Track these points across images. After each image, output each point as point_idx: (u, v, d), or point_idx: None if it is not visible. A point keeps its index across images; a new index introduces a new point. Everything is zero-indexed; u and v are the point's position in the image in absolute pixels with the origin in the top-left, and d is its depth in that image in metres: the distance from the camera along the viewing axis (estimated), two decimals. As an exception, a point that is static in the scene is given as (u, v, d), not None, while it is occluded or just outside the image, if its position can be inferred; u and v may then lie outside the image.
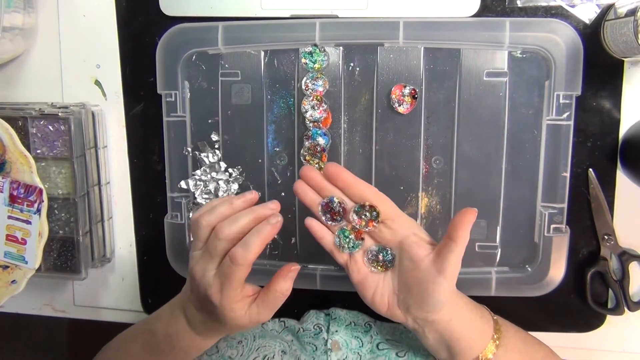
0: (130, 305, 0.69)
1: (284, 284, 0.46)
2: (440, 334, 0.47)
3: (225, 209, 0.46)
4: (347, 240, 0.49)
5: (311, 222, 0.50)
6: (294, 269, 0.47)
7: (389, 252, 0.48)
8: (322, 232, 0.49)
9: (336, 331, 0.56)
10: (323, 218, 0.49)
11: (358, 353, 0.53)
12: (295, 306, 0.62)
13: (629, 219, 0.58)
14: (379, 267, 0.48)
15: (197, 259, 0.46)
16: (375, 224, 0.48)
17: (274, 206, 0.46)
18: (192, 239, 0.47)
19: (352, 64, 0.58)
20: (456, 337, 0.46)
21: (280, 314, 0.61)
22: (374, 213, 0.48)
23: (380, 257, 0.49)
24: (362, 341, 0.55)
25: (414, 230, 0.48)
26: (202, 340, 0.51)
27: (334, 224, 0.49)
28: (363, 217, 0.48)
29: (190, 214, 0.62)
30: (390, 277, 0.49)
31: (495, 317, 0.49)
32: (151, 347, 0.52)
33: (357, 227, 0.49)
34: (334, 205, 0.49)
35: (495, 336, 0.47)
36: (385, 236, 0.49)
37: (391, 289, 0.48)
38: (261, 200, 0.61)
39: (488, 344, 0.47)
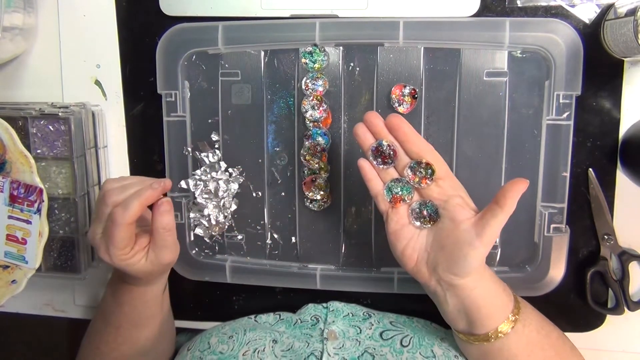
0: (130, 305, 0.69)
1: (162, 220, 0.48)
2: (461, 300, 0.47)
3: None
4: (401, 185, 0.49)
5: (363, 163, 0.50)
6: (165, 201, 0.48)
7: (432, 205, 0.48)
8: (372, 174, 0.50)
9: (333, 322, 0.56)
10: (374, 162, 0.49)
11: (357, 339, 0.53)
12: (296, 306, 0.62)
13: (629, 219, 0.58)
14: (425, 222, 0.48)
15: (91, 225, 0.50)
16: (428, 182, 0.48)
17: (167, 183, 0.49)
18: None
19: (352, 64, 0.58)
20: (477, 305, 0.46)
21: (279, 311, 0.61)
22: (429, 171, 0.48)
23: (425, 212, 0.48)
24: (360, 329, 0.55)
25: (461, 193, 0.49)
26: (136, 288, 0.53)
27: (385, 167, 0.49)
28: (418, 173, 0.48)
29: (191, 214, 0.62)
30: (426, 233, 0.48)
31: (514, 294, 0.49)
32: (110, 324, 0.55)
33: (411, 182, 0.49)
34: (384, 148, 0.48)
35: (514, 310, 0.47)
36: (433, 194, 0.49)
37: (423, 245, 0.48)
38: (261, 201, 0.61)
39: (507, 317, 0.47)
